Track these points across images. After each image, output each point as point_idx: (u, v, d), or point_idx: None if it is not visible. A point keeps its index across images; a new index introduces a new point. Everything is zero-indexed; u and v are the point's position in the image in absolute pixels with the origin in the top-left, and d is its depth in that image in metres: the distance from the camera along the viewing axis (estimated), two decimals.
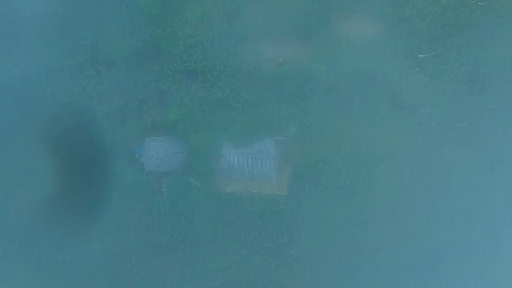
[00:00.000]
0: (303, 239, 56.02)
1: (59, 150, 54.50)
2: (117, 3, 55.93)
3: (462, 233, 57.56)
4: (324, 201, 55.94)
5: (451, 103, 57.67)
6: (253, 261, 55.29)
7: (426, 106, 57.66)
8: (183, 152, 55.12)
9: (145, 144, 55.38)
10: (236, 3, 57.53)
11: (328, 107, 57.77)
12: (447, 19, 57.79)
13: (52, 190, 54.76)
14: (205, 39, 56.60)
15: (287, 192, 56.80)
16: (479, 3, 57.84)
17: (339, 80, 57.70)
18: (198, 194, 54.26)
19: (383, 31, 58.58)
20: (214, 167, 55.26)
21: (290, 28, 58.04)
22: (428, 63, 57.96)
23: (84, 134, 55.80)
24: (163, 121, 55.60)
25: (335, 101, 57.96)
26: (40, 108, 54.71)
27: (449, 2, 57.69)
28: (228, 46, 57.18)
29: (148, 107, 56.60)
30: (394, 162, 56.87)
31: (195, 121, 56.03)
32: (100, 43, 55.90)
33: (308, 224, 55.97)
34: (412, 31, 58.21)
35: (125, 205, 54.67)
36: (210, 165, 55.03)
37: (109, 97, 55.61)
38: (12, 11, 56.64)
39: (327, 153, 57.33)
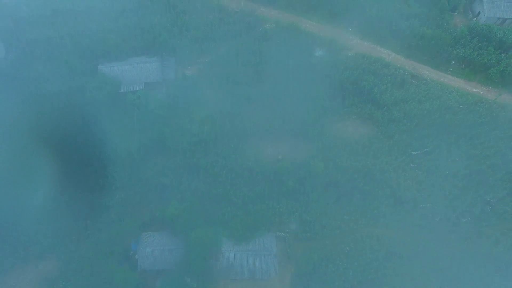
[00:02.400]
0: None
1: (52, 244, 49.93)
2: (129, 106, 58.27)
3: None
4: None
5: (451, 197, 55.28)
6: None
7: (426, 200, 55.15)
8: (180, 249, 50.45)
9: (141, 239, 51.18)
10: (238, 106, 60.09)
11: (329, 202, 55.28)
12: (433, 120, 59.63)
13: None
14: (208, 137, 57.48)
15: None
16: (460, 106, 60.54)
17: (337, 176, 56.48)
18: None
19: (375, 130, 59.93)
20: (213, 264, 49.91)
21: (289, 128, 59.48)
22: (422, 159, 57.57)
23: (79, 230, 51.96)
24: (162, 216, 52.47)
25: (335, 196, 55.74)
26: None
27: (433, 105, 60.38)
28: (230, 143, 57.74)
29: (148, 201, 54.14)
30: (402, 259, 51.63)
31: (195, 216, 52.84)
32: (109, 140, 56.33)
33: None
34: (402, 130, 59.47)
35: None
36: (208, 262, 49.80)
37: (110, 191, 53.46)
38: None
39: (330, 250, 52.56)
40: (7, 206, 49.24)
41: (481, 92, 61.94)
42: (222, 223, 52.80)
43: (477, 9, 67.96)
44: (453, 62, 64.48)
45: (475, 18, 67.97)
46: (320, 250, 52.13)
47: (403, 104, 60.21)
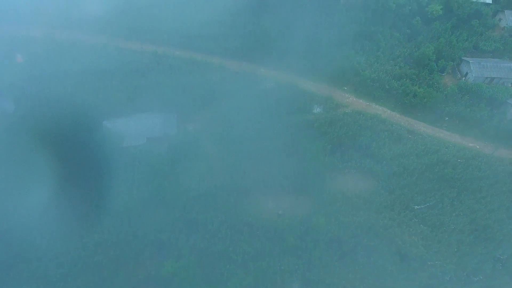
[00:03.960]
0: None
1: None
2: (130, 161, 57.27)
3: None
4: None
5: (459, 254, 51.84)
6: None
7: (434, 257, 51.62)
8: None
9: None
10: (238, 161, 59.04)
11: (332, 259, 51.70)
12: (433, 174, 58.26)
13: None
14: (208, 191, 55.56)
15: None
16: (459, 160, 59.52)
17: (340, 232, 53.62)
18: None
19: (376, 185, 58.23)
20: None
21: (289, 183, 57.80)
22: (426, 214, 55.15)
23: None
24: (158, 274, 48.61)
25: (338, 253, 52.31)
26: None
27: (431, 159, 59.41)
28: (230, 198, 55.71)
29: (144, 258, 50.65)
30: None
31: (192, 275, 49.12)
32: (107, 194, 54.37)
33: None
34: (403, 185, 57.80)
35: None
36: None
37: (106, 247, 50.28)
38: None
39: None
40: None
41: (477, 147, 61.35)
42: (220, 282, 48.83)
43: (465, 69, 70.17)
44: (447, 118, 64.87)
45: (464, 78, 69.89)
46: None
47: (401, 158, 59.26)
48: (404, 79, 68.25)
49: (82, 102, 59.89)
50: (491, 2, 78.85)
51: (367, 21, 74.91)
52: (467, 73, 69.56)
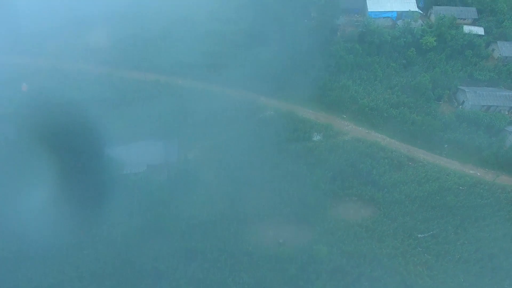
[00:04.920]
0: None
1: None
2: (129, 188, 56.31)
3: None
4: None
5: (467, 285, 49.64)
6: None
7: None
8: None
9: None
10: (238, 189, 58.07)
11: None
12: (435, 202, 57.10)
13: None
14: (207, 219, 54.27)
15: None
16: (460, 187, 58.49)
17: (342, 261, 51.74)
18: None
19: (377, 213, 56.94)
20: None
21: (289, 211, 56.57)
22: (430, 243, 53.46)
23: None
24: None
25: (341, 284, 50.25)
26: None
27: (432, 187, 58.40)
28: (230, 227, 54.34)
29: None
30: None
31: None
32: (106, 222, 53.02)
33: None
34: (405, 213, 56.52)
35: None
36: None
37: (102, 277, 48.28)
38: None
39: None
40: None
41: (478, 174, 60.49)
42: None
43: (461, 98, 70.57)
44: (446, 145, 64.42)
45: (461, 106, 70.13)
46: None
47: (403, 185, 58.27)
48: (402, 107, 68.47)
49: (84, 129, 59.69)
50: (483, 33, 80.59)
51: (364, 52, 76.29)
52: (463, 102, 69.87)
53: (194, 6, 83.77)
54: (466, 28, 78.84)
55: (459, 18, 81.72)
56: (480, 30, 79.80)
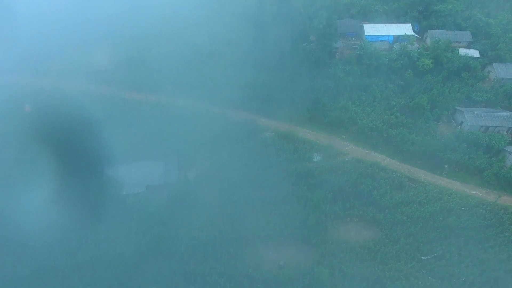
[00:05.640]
0: None
1: None
2: (128, 209, 55.37)
3: None
4: None
5: None
6: None
7: None
8: None
9: None
10: (238, 211, 57.15)
11: None
12: (437, 223, 56.07)
13: None
14: (207, 241, 53.06)
15: None
16: (462, 208, 57.56)
17: (345, 284, 50.26)
18: None
19: (379, 234, 55.80)
20: None
21: (290, 232, 55.45)
22: (434, 265, 52.03)
23: None
24: None
25: None
26: None
27: (434, 207, 57.49)
28: (230, 248, 53.10)
29: None
30: None
31: None
32: (104, 245, 51.75)
33: None
34: (408, 234, 55.38)
35: None
36: None
37: None
38: None
39: None
40: None
41: (480, 194, 59.69)
42: None
43: (459, 118, 70.64)
44: (446, 165, 63.90)
45: (459, 127, 70.07)
46: None
47: (404, 206, 57.37)
48: (401, 128, 68.39)
49: (84, 149, 59.34)
50: (479, 56, 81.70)
51: (362, 73, 77.04)
52: (462, 122, 69.88)
53: (195, 28, 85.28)
54: (462, 51, 80.00)
55: (454, 42, 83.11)
56: (475, 53, 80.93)
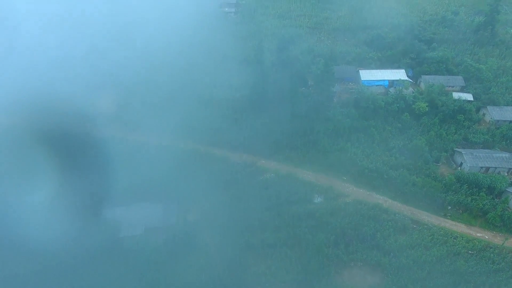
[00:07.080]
0: None
1: None
2: (125, 253, 53.08)
3: None
4: None
5: None
6: None
7: None
8: None
9: None
10: (238, 254, 54.78)
11: None
12: (445, 268, 53.35)
13: None
14: (205, 286, 50.06)
15: None
16: (470, 252, 55.09)
17: None
18: None
19: (385, 280, 52.88)
20: None
21: (291, 277, 52.62)
22: None
23: None
24: None
25: None
26: None
27: (440, 251, 55.09)
28: None
29: None
30: None
31: None
32: (100, 286, 48.97)
33: None
34: (415, 280, 52.46)
35: None
36: None
37: None
38: None
39: None
40: None
41: (486, 237, 57.40)
42: None
43: (459, 160, 70.06)
44: (449, 207, 62.26)
45: (459, 168, 69.26)
46: None
47: (409, 250, 55.01)
48: (401, 169, 67.66)
49: (82, 189, 58.35)
50: (472, 99, 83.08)
51: (360, 116, 77.87)
52: (461, 163, 69.22)
53: (198, 74, 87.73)
54: (455, 95, 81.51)
55: (447, 86, 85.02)
56: (469, 96, 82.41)
